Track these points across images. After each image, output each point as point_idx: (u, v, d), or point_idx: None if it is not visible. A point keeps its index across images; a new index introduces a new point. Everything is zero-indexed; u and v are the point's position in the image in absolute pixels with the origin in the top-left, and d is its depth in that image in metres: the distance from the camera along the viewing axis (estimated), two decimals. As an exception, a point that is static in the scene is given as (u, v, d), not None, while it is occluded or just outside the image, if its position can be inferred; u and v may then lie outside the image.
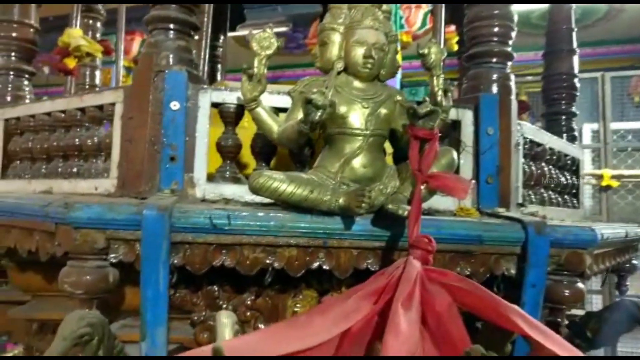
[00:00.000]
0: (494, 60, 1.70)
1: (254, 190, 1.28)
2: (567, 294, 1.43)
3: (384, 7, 1.47)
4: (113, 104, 1.60)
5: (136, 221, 1.21)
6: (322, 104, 1.21)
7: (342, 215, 1.28)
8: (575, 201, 2.32)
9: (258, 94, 1.40)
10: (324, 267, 1.31)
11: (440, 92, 1.45)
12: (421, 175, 1.27)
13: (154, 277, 1.20)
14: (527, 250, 1.36)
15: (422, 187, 1.29)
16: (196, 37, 1.83)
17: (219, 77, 3.78)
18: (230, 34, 4.07)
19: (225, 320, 1.26)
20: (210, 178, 1.53)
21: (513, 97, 1.68)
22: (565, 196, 2.22)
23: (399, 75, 6.32)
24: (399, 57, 1.58)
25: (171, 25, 1.56)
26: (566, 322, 1.67)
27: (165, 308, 1.22)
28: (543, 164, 1.95)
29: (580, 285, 1.45)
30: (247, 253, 1.29)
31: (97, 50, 2.12)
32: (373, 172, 1.37)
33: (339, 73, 1.43)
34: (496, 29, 1.69)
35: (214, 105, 1.54)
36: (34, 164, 1.87)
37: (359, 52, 1.39)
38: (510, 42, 1.72)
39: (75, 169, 1.70)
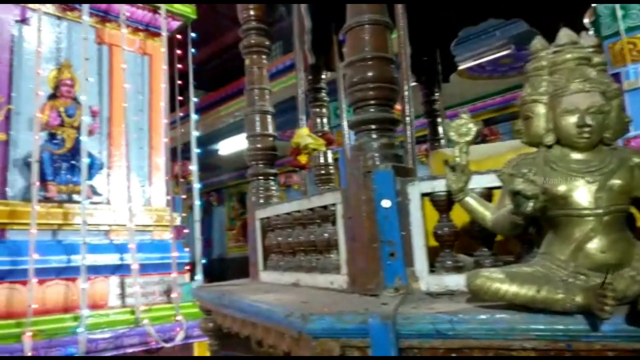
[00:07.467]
0: None
1: (473, 293, 1.22)
2: None
3: (596, 59, 1.27)
4: (334, 205, 1.76)
5: (364, 330, 1.28)
6: (531, 194, 1.10)
7: (584, 314, 1.11)
8: None
9: (463, 185, 1.35)
10: (573, 372, 1.15)
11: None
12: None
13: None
14: None
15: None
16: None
17: (440, 130, 3.76)
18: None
19: None
20: (433, 269, 1.53)
21: None
22: None
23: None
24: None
25: (372, 126, 1.66)
26: None
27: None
28: None
29: None
30: (478, 356, 1.22)
31: (320, 145, 2.37)
32: (616, 257, 1.16)
33: (550, 147, 1.28)
34: None
35: (425, 195, 1.55)
36: (284, 257, 2.17)
37: (570, 122, 1.22)
38: None
39: (314, 264, 1.90)
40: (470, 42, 6.65)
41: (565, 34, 1.31)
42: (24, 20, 5.05)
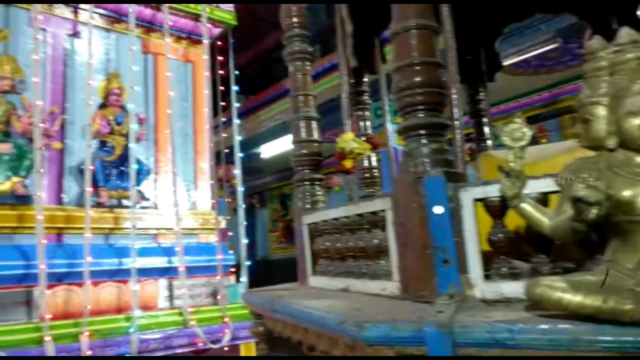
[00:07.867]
0: None
1: (533, 302, 1.19)
2: None
3: (659, 59, 1.22)
4: (383, 210, 1.75)
5: (420, 338, 1.27)
6: (594, 200, 1.06)
7: (655, 324, 1.07)
8: None
9: (518, 190, 1.32)
10: (643, 384, 1.10)
11: None
12: None
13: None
14: None
15: None
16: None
17: (486, 130, 3.66)
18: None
19: None
20: (487, 276, 1.50)
21: None
22: None
23: None
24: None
25: (421, 132, 1.64)
26: None
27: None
28: None
29: None
30: (539, 367, 1.19)
31: (366, 150, 2.37)
32: (687, 265, 1.11)
33: (612, 150, 1.23)
34: None
35: (478, 200, 1.52)
36: (333, 262, 2.18)
37: (635, 124, 1.17)
38: None
39: (364, 269, 1.90)
40: (515, 37, 6.47)
41: (625, 33, 1.26)
42: (75, 34, 5.28)
